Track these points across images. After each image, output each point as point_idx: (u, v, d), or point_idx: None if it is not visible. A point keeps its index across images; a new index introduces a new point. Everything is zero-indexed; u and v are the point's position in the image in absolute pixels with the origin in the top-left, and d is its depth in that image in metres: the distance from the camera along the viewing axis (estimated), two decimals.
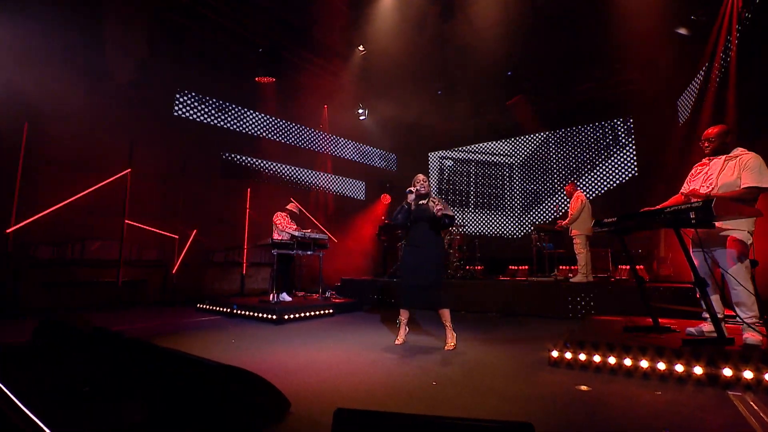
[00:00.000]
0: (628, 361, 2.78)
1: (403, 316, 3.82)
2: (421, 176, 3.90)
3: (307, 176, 9.27)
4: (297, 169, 9.04)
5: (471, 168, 10.79)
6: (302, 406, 2.16)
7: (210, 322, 5.26)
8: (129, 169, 6.65)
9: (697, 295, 3.25)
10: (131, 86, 6.82)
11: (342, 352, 3.55)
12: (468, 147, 10.84)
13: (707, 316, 3.25)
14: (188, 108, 7.67)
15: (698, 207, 2.71)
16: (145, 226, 6.78)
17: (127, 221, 6.59)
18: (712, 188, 3.09)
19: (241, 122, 8.30)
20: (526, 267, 7.90)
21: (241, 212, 8.03)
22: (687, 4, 5.85)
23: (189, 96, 7.69)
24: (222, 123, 8.03)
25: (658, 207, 3.29)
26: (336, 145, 9.83)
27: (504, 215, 10.21)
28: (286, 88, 8.65)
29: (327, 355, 3.43)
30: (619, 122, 8.59)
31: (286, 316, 5.16)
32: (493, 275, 8.00)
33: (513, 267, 8.06)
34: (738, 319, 2.97)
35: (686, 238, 3.09)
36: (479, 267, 8.12)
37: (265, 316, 5.18)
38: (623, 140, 8.52)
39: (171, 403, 1.99)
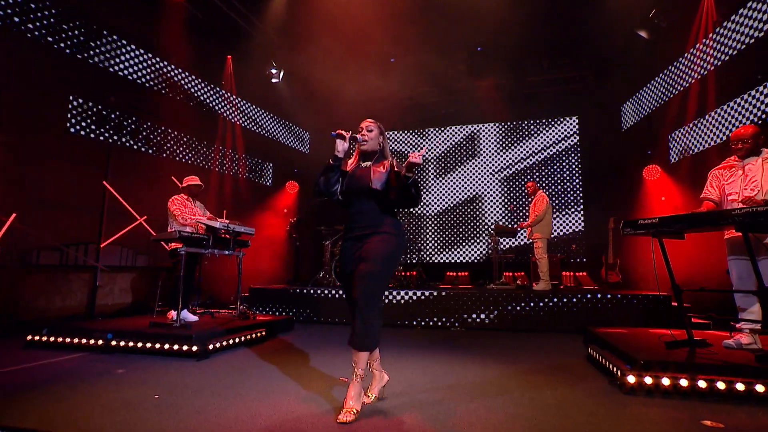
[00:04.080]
0: (721, 384, 2.70)
1: (359, 364, 2.35)
2: (367, 121, 2.68)
3: (199, 148, 7.57)
4: (185, 136, 7.27)
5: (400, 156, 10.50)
6: None
7: (65, 366, 3.62)
8: None
9: (740, 307, 3.49)
10: None
11: (316, 407, 2.67)
12: (402, 132, 10.51)
13: (741, 326, 3.49)
14: (17, 10, 5.30)
15: None
16: None
17: None
18: (757, 192, 3.31)
19: (108, 55, 6.23)
20: (466, 273, 7.93)
21: (97, 192, 6.03)
22: (652, 7, 6.58)
23: None
24: (77, 51, 5.86)
25: (695, 212, 3.43)
26: (240, 112, 8.31)
27: (439, 215, 10.10)
28: (175, 23, 6.89)
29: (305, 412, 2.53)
30: (567, 120, 9.34)
31: (210, 346, 3.89)
32: (432, 282, 7.80)
33: (451, 273, 8.01)
34: None
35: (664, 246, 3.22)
36: (413, 273, 7.84)
37: (176, 347, 3.81)
38: (569, 140, 9.31)
39: None
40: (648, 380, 2.82)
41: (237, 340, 4.27)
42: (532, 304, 5.64)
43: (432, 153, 10.10)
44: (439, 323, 5.89)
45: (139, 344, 3.92)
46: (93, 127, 5.98)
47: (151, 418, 2.34)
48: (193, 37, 7.12)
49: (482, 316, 5.77)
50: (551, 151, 9.35)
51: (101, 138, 6.09)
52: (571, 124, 9.23)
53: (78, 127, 5.84)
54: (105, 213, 6.02)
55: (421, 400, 2.71)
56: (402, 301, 6.06)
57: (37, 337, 4.20)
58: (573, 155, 9.17)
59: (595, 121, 8.74)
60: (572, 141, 9.21)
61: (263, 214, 8.33)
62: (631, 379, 2.84)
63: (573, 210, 8.96)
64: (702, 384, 2.74)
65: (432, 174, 10.17)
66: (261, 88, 8.51)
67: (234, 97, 8.07)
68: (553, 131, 9.38)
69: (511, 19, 6.65)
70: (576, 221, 8.90)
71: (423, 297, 6.01)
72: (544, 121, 9.43)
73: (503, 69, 7.80)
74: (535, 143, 9.48)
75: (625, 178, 7.80)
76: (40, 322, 4.94)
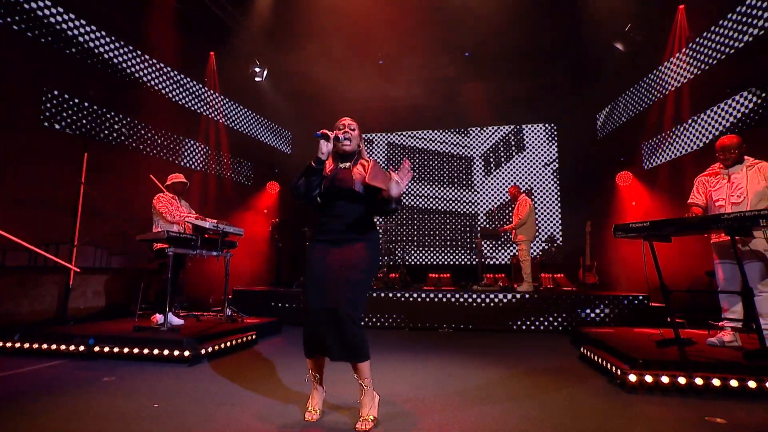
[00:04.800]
0: (716, 381, 2.77)
1: (312, 369, 2.34)
2: (347, 119, 2.50)
3: (179, 145, 7.21)
4: (165, 132, 6.90)
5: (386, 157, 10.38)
6: None
7: (45, 375, 3.33)
8: None
9: (724, 307, 3.61)
10: None
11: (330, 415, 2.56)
12: (385, 135, 10.41)
13: (724, 325, 3.62)
14: None
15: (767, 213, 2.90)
16: None
17: None
18: (744, 198, 3.44)
19: (86, 46, 5.83)
20: (449, 275, 7.94)
21: (71, 189, 5.63)
22: (628, 21, 6.81)
23: None
24: (53, 42, 5.44)
25: (686, 216, 3.54)
26: (222, 109, 7.99)
27: (420, 218, 10.04)
28: (157, 14, 6.56)
29: None
30: (544, 126, 9.51)
31: (203, 351, 3.67)
32: (415, 284, 7.76)
33: (434, 275, 7.99)
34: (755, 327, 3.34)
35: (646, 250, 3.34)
36: (395, 275, 7.78)
37: (166, 353, 3.57)
38: (547, 146, 9.48)
39: None
40: (648, 379, 2.86)
41: (228, 344, 4.06)
42: (516, 304, 5.68)
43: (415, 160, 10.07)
44: (427, 325, 5.85)
45: (126, 350, 3.65)
46: (69, 121, 5.57)
47: (154, 430, 2.15)
48: (176, 31, 6.77)
49: (473, 317, 5.76)
50: (530, 156, 9.50)
51: (77, 133, 5.69)
52: (549, 129, 9.43)
53: (53, 121, 5.43)
54: (80, 211, 5.63)
55: (434, 404, 2.64)
56: (389, 302, 5.97)
57: (9, 344, 3.85)
58: (551, 161, 9.35)
59: (571, 128, 8.96)
60: (550, 147, 9.39)
61: (243, 214, 8.03)
62: (633, 378, 2.88)
63: (551, 214, 9.15)
64: (699, 381, 2.80)
65: (414, 177, 10.15)
66: (244, 86, 8.23)
67: (216, 94, 7.76)
68: (532, 137, 9.55)
69: (497, 26, 6.73)
70: (554, 224, 9.09)
71: (412, 299, 5.95)
72: (523, 126, 9.57)
73: (486, 74, 7.87)
74: (515, 148, 9.60)
75: (600, 183, 8.03)
76: (7, 327, 4.54)
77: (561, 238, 8.88)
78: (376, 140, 10.48)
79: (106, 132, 6.06)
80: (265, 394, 2.78)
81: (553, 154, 9.35)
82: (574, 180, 8.84)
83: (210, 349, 3.79)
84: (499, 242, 8.98)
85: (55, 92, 5.40)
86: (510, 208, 8.99)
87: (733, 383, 2.76)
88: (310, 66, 8.02)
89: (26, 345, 3.81)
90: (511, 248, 8.95)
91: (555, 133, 9.35)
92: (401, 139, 10.34)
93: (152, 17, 6.44)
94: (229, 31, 7.51)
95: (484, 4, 6.51)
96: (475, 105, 8.75)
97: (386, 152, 10.39)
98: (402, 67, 7.94)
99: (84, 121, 5.76)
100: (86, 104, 5.77)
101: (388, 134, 10.39)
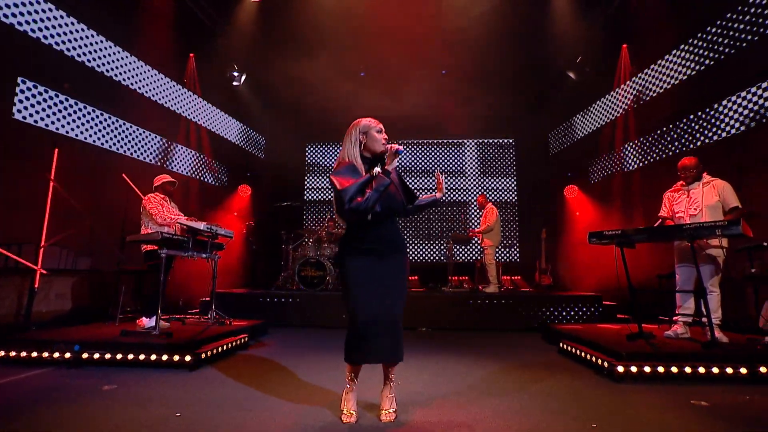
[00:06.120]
0: (688, 369, 3.05)
1: (352, 372, 2.31)
2: (377, 121, 2.35)
3: (156, 146, 6.69)
4: (141, 131, 6.37)
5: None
6: None
7: (32, 385, 2.96)
8: None
9: (679, 304, 3.97)
10: None
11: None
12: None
13: (677, 319, 3.99)
14: None
15: (724, 225, 3.27)
16: None
17: None
18: (699, 210, 3.83)
19: (66, 38, 5.27)
20: (416, 277, 8.03)
21: (40, 186, 5.06)
22: (579, 54, 7.34)
23: None
24: (30, 30, 4.85)
25: (654, 226, 3.90)
26: (199, 111, 7.52)
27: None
28: (138, 10, 6.10)
29: None
30: (505, 141, 9.91)
31: (203, 355, 3.43)
32: None
33: None
34: (704, 320, 3.73)
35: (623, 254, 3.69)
36: None
37: (165, 358, 3.29)
38: (506, 159, 9.89)
39: None
40: (633, 369, 3.09)
41: (224, 347, 3.83)
42: (489, 305, 5.87)
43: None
44: (407, 326, 5.86)
45: (119, 356, 3.32)
46: (41, 114, 4.99)
47: None
48: (157, 29, 6.32)
49: (449, 317, 5.86)
50: (491, 168, 9.90)
51: (48, 126, 5.11)
52: (508, 145, 9.89)
53: (25, 114, 4.83)
54: (49, 210, 5.06)
55: (438, 402, 2.67)
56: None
57: None
58: (510, 173, 9.81)
59: (528, 144, 9.48)
60: (509, 161, 9.86)
61: (216, 216, 7.61)
62: (621, 369, 3.09)
63: (509, 221, 9.57)
64: (674, 369, 3.07)
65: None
66: (222, 89, 7.85)
67: (195, 95, 7.32)
68: (494, 150, 9.96)
69: (472, 48, 7.01)
70: (512, 231, 9.52)
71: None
72: (487, 140, 9.95)
73: (457, 91, 8.11)
74: (478, 160, 9.96)
75: (552, 195, 8.56)
76: None
77: (518, 244, 9.33)
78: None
79: (78, 128, 5.51)
80: (287, 398, 2.67)
81: (512, 167, 9.82)
82: (530, 191, 9.33)
83: (209, 353, 3.55)
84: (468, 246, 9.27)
85: (30, 83, 4.82)
86: (477, 216, 9.33)
87: (701, 370, 3.06)
88: (288, 74, 7.82)
89: (1, 353, 3.35)
90: (469, 249, 9.29)
91: (513, 148, 9.82)
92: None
93: (134, 13, 5.98)
94: (209, 34, 7.16)
95: (465, 29, 6.76)
96: (446, 119, 8.98)
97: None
98: (381, 80, 7.98)
99: (58, 115, 5.20)
100: (61, 98, 5.21)
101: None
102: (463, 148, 10.06)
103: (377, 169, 2.21)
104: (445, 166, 10.05)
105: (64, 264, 5.65)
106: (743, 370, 3.05)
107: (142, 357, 3.31)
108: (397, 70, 7.75)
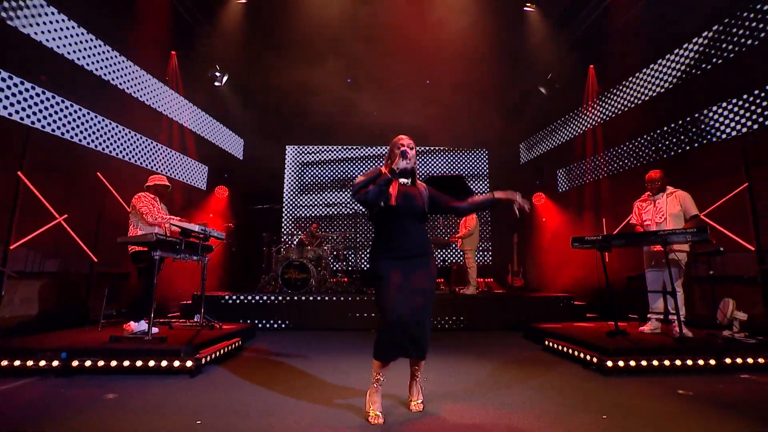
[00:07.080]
0: (667, 362, 3.29)
1: (379, 373, 2.32)
2: (407, 139, 2.45)
3: (135, 143, 6.27)
4: (118, 127, 5.95)
5: (332, 169, 10.15)
6: None
7: (26, 395, 2.71)
8: None
9: (651, 305, 4.26)
10: None
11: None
12: (335, 147, 10.18)
13: (651, 317, 4.28)
14: None
15: (693, 232, 3.57)
16: None
17: None
18: (664, 218, 4.15)
19: (46, 28, 4.82)
20: None
21: (8, 182, 4.63)
22: (549, 71, 7.72)
23: None
24: (7, 18, 4.39)
25: (632, 232, 4.17)
26: (180, 109, 7.14)
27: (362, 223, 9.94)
28: (121, 8, 5.74)
29: None
30: (480, 151, 10.14)
31: (203, 360, 3.27)
32: (365, 287, 7.73)
33: None
34: (671, 317, 4.04)
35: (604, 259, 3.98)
36: (345, 279, 7.69)
37: (165, 364, 3.10)
38: (480, 167, 10.12)
39: None
40: (621, 363, 3.28)
41: (221, 351, 3.67)
42: (470, 306, 6.00)
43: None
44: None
45: (113, 363, 3.09)
46: (12, 105, 4.55)
47: None
48: (138, 24, 5.97)
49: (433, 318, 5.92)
50: (468, 174, 10.16)
51: (20, 119, 4.67)
52: (482, 154, 10.18)
53: None
54: (18, 209, 4.63)
55: (453, 397, 2.72)
56: (356, 305, 5.89)
57: None
58: (483, 180, 10.10)
59: (500, 154, 9.81)
60: (483, 168, 10.15)
61: (193, 218, 7.24)
62: (610, 363, 3.27)
63: (483, 226, 9.84)
64: (655, 363, 3.30)
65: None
66: (202, 89, 7.52)
67: (176, 94, 6.96)
68: (468, 159, 10.22)
69: (452, 62, 7.18)
70: (485, 234, 9.79)
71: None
72: (461, 149, 10.18)
73: (436, 100, 8.28)
74: (456, 167, 10.18)
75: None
76: None
77: (491, 247, 9.62)
78: (331, 151, 10.28)
79: (52, 122, 5.08)
80: (308, 399, 2.60)
81: (486, 175, 10.12)
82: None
83: (209, 358, 3.38)
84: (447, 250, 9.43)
85: (6, 74, 4.39)
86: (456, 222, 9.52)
87: (677, 362, 3.31)
88: (270, 77, 7.64)
89: None
90: (445, 253, 9.47)
91: (487, 157, 10.14)
92: (357, 152, 10.30)
93: (116, 6, 5.62)
94: (192, 33, 6.86)
95: (446, 45, 6.92)
96: (427, 127, 9.11)
97: (351, 165, 10.22)
98: (367, 86, 7.98)
99: (31, 108, 4.76)
100: (37, 90, 4.78)
101: (348, 148, 10.25)
102: (442, 156, 10.27)
103: (384, 169, 2.38)
104: (425, 172, 10.19)
105: (30, 267, 5.18)
106: (712, 362, 3.33)
107: (139, 363, 3.10)
108: (381, 77, 7.80)
